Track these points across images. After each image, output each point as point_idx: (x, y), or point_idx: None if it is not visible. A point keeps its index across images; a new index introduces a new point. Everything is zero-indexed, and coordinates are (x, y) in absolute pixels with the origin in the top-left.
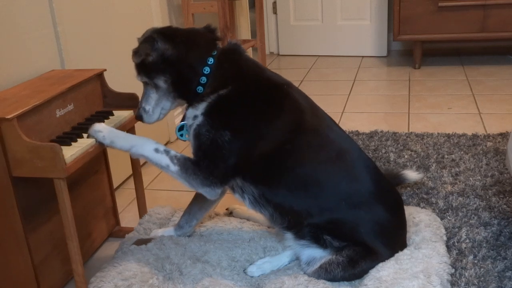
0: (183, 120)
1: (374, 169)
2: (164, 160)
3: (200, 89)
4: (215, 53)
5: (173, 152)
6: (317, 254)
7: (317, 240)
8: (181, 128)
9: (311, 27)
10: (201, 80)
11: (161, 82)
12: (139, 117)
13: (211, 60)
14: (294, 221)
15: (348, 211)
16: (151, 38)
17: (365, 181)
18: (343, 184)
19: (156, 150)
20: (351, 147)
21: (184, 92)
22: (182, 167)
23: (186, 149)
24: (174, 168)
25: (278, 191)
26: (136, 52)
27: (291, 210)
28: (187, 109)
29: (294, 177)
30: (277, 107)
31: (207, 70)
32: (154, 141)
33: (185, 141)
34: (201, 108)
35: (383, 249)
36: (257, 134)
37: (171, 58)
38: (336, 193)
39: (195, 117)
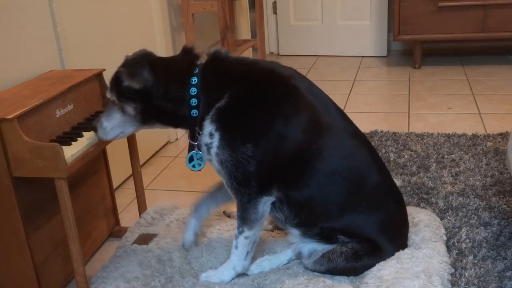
0: (190, 149)
1: (383, 165)
2: (240, 236)
3: (194, 112)
4: (196, 71)
5: (237, 232)
6: (319, 247)
7: (328, 239)
8: (191, 158)
9: (311, 27)
10: (192, 102)
11: (130, 109)
12: (93, 129)
13: (195, 80)
14: (306, 221)
15: (367, 211)
16: (141, 64)
17: (380, 179)
18: (365, 182)
19: (236, 237)
20: (364, 141)
21: (171, 121)
22: (244, 220)
23: (185, 149)
24: (245, 228)
25: (304, 194)
26: (132, 75)
27: (310, 211)
28: (191, 137)
29: (322, 177)
30: (291, 105)
31: (194, 91)
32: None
33: (199, 170)
34: (208, 124)
35: (389, 246)
36: (277, 136)
37: (148, 90)
38: (359, 193)
39: (211, 135)
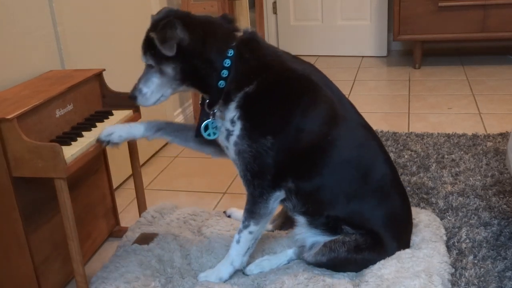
0: (201, 117)
1: (390, 159)
2: (244, 231)
3: (222, 83)
4: (233, 44)
5: (241, 226)
6: (322, 240)
7: (333, 229)
8: (206, 127)
9: (311, 27)
10: (222, 73)
11: (169, 69)
12: (133, 98)
13: (231, 52)
14: (313, 209)
15: (373, 202)
16: (170, 23)
17: (387, 171)
18: (373, 172)
19: (240, 231)
20: (374, 134)
21: (200, 85)
22: (251, 214)
23: (185, 149)
24: (251, 223)
25: (314, 183)
26: (164, 40)
27: (317, 199)
28: (208, 105)
29: (334, 166)
30: (310, 99)
31: (227, 63)
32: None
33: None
34: (233, 109)
35: (391, 242)
36: (296, 128)
37: (186, 48)
38: (367, 182)
39: (233, 122)
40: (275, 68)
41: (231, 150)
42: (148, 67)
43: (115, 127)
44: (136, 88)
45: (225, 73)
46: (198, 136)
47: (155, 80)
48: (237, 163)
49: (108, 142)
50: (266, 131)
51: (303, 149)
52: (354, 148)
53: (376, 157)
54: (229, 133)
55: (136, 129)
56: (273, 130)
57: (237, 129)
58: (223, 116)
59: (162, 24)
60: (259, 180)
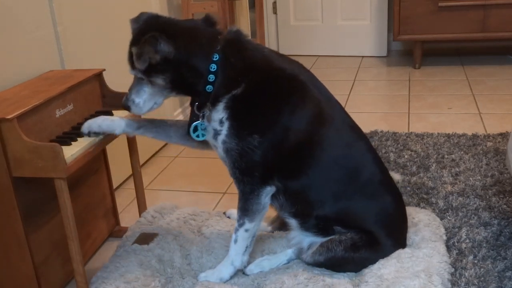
0: (191, 118)
1: (379, 159)
2: (240, 229)
3: (209, 88)
4: (218, 47)
5: (237, 225)
6: (318, 240)
7: (325, 231)
8: (195, 128)
9: (311, 27)
10: (209, 78)
11: (159, 80)
12: (126, 107)
13: (216, 56)
14: (302, 210)
15: (363, 201)
16: (153, 38)
17: (376, 171)
18: (361, 172)
19: (236, 231)
20: (362, 134)
21: (188, 91)
22: (245, 212)
23: (185, 149)
24: (246, 220)
25: (301, 182)
26: (140, 56)
27: (305, 199)
28: (197, 107)
29: (321, 166)
30: (298, 99)
31: (213, 67)
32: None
33: (201, 140)
34: (221, 110)
35: (386, 240)
36: (283, 127)
37: (172, 60)
38: (355, 181)
39: (221, 123)
40: (262, 68)
41: (219, 149)
42: (138, 78)
43: (97, 120)
44: (128, 98)
45: (211, 77)
46: (188, 136)
47: (147, 90)
48: (225, 161)
49: (89, 134)
50: (254, 130)
51: (290, 148)
52: (341, 148)
53: (364, 156)
54: (216, 133)
55: (117, 125)
56: (261, 129)
57: (225, 128)
58: (210, 117)
59: (144, 39)
60: (248, 177)
